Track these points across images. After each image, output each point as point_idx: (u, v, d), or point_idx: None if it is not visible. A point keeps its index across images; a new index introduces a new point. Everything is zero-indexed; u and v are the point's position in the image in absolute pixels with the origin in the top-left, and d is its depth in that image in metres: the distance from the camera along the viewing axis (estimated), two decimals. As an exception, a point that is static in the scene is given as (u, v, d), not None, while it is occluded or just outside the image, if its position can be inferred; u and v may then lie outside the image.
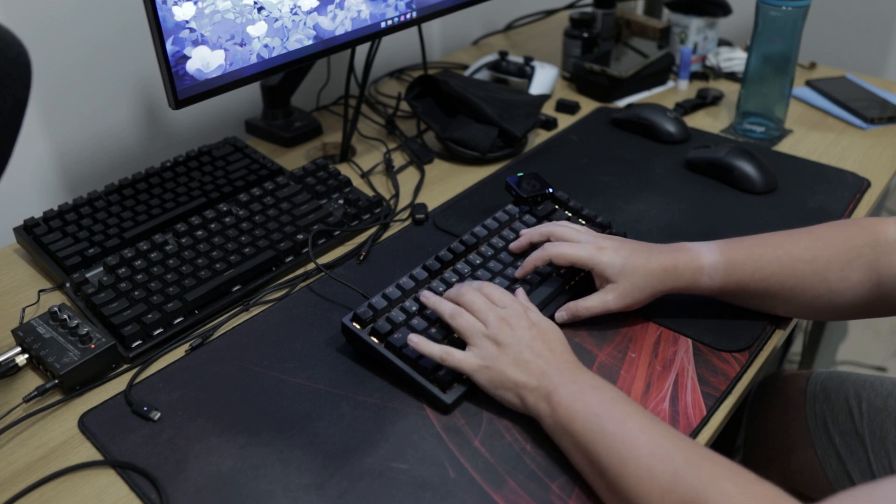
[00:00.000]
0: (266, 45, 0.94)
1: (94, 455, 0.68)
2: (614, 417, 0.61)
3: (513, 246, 0.85)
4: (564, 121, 1.25)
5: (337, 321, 0.79)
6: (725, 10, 1.39)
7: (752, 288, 0.76)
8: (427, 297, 0.75)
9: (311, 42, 0.99)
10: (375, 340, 0.74)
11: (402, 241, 0.95)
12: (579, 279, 0.83)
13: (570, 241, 0.80)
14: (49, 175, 1.07)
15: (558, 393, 0.64)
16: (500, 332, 0.69)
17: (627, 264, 0.76)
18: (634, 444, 0.59)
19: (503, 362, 0.68)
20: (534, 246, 0.84)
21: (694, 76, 1.39)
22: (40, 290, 0.88)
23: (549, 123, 1.23)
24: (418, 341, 0.71)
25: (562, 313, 0.79)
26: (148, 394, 0.73)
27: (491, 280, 0.81)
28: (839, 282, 0.74)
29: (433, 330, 0.74)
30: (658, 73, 1.35)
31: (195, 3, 0.86)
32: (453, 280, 0.80)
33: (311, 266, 0.92)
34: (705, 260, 0.76)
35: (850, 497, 0.50)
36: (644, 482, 0.57)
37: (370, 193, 1.06)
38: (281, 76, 1.17)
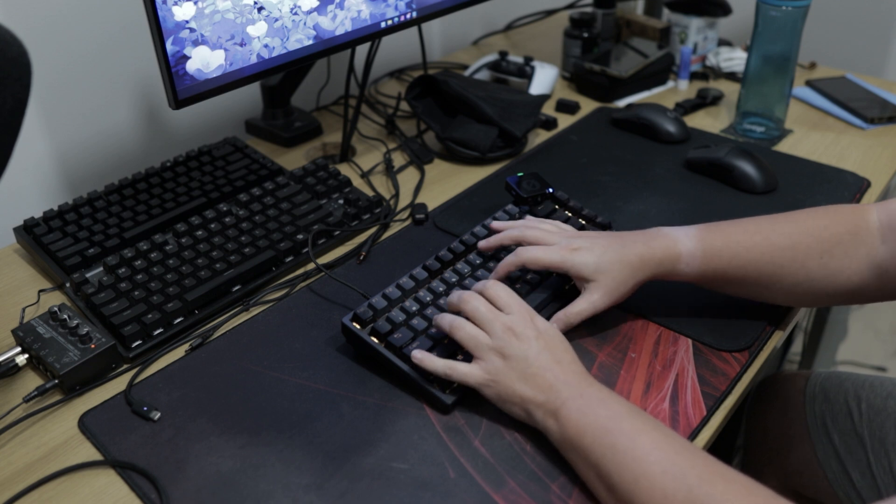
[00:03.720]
0: (266, 45, 0.94)
1: (94, 455, 0.68)
2: (625, 433, 0.60)
3: (481, 245, 0.83)
4: (564, 121, 1.25)
5: (337, 321, 0.79)
6: (725, 10, 1.39)
7: (731, 275, 0.75)
8: (434, 319, 0.73)
9: (311, 42, 0.99)
10: (375, 340, 0.74)
11: (402, 241, 0.95)
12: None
13: (543, 244, 0.78)
14: (49, 175, 1.07)
15: (566, 408, 0.63)
16: (506, 344, 0.67)
17: (603, 261, 0.74)
18: (646, 460, 0.58)
19: (510, 377, 0.66)
20: (505, 247, 0.82)
21: (694, 76, 1.39)
22: (40, 290, 0.88)
23: (549, 123, 1.23)
24: (422, 357, 0.69)
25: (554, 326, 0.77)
26: (148, 394, 0.73)
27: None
28: (818, 269, 0.74)
29: (434, 330, 0.74)
30: (658, 73, 1.35)
31: (195, 3, 0.86)
32: (453, 280, 0.80)
33: (311, 266, 0.92)
34: (682, 247, 0.75)
35: None
36: (656, 501, 0.56)
37: (370, 193, 1.06)
38: (281, 76, 1.17)
